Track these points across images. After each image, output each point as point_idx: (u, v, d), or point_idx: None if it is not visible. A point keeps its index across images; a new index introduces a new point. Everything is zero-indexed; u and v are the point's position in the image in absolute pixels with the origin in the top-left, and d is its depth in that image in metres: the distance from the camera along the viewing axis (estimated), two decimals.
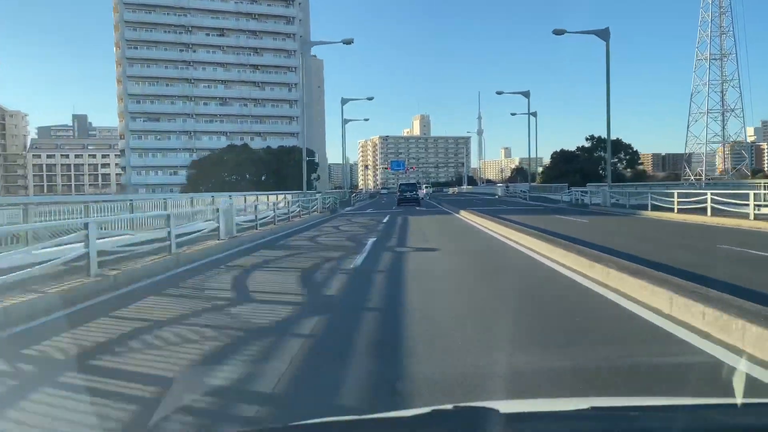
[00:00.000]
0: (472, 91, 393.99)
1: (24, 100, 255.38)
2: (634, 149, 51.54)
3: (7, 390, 4.01)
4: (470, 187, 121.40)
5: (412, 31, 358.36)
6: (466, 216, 24.10)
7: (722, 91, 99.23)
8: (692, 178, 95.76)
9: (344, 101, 60.26)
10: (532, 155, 56.58)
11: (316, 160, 36.27)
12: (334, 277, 8.94)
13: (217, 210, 13.62)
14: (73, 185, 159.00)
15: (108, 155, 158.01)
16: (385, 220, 23.80)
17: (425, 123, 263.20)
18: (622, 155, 50.75)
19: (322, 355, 4.70)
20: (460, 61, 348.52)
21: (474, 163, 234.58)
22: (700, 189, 26.10)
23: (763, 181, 33.17)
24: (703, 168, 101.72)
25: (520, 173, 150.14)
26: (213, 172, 47.58)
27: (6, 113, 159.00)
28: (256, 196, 24.92)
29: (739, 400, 1.62)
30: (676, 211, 21.08)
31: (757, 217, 17.03)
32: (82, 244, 7.83)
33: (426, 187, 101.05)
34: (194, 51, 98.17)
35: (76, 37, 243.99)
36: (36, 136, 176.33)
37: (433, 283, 8.25)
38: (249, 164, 48.48)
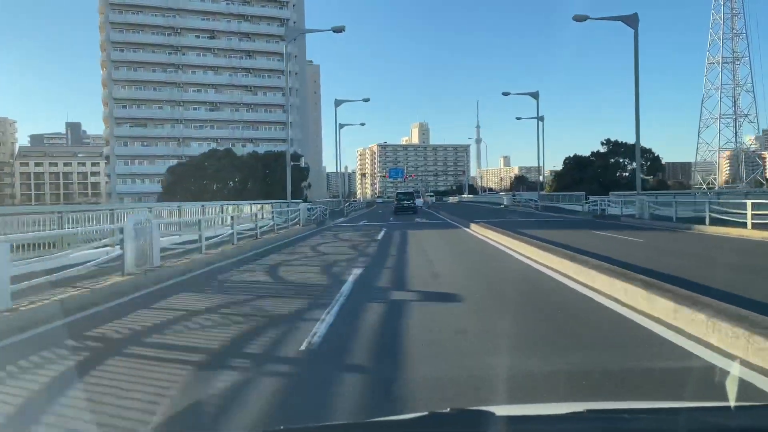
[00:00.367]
0: (472, 99, 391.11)
1: (18, 108, 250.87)
2: (655, 154, 47.16)
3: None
4: (471, 195, 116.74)
5: (411, 37, 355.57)
6: (478, 231, 19.50)
7: (734, 96, 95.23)
8: (704, 186, 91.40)
9: (338, 102, 55.79)
10: (540, 162, 52.15)
11: (303, 164, 31.69)
12: (253, 385, 4.24)
13: (121, 230, 8.98)
14: (61, 194, 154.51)
15: (98, 163, 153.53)
16: (379, 237, 19.18)
17: (424, 131, 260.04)
18: (642, 161, 46.25)
19: None
20: (460, 69, 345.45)
21: (472, 171, 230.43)
22: (737, 198, 21.68)
23: None
24: (717, 176, 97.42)
25: (521, 181, 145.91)
26: (191, 180, 42.96)
27: None
28: (221, 207, 20.28)
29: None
30: (750, 226, 16.44)
31: None
32: None
33: (428, 196, 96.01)
34: (183, 54, 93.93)
35: (70, 45, 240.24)
36: (29, 144, 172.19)
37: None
38: (232, 170, 43.85)
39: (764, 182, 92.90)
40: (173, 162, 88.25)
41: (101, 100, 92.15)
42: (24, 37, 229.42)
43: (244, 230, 16.94)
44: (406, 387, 3.95)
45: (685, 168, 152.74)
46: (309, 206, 29.75)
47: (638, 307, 6.18)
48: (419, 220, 31.93)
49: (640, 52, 28.55)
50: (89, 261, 8.65)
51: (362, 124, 62.90)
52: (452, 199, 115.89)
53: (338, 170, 58.21)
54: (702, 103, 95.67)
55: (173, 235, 13.68)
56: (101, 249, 9.16)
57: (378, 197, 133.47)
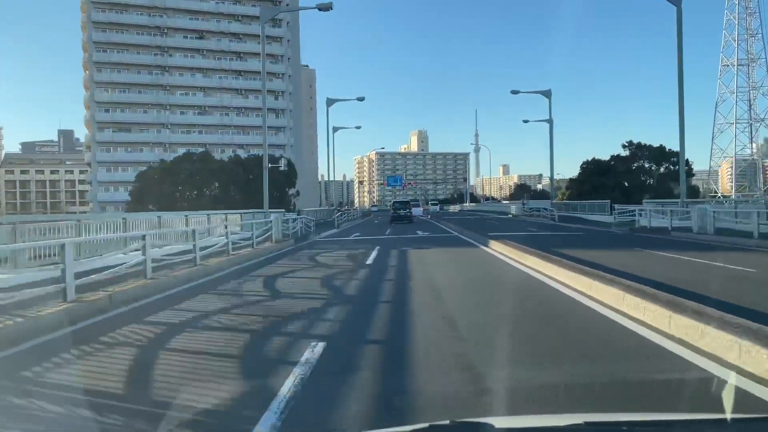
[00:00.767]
0: (471, 106, 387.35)
1: (10, 115, 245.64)
2: (685, 158, 41.91)
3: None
4: (473, 204, 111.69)
5: (410, 43, 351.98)
6: (504, 252, 14.45)
7: (750, 99, 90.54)
8: (719, 194, 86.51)
9: (330, 102, 50.87)
10: (552, 167, 47.15)
11: (282, 167, 26.67)
12: None
13: None
14: (48, 203, 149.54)
15: (86, 171, 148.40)
16: (369, 261, 14.05)
17: (423, 139, 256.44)
18: (671, 166, 41.21)
19: None
20: (459, 75, 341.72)
21: (471, 180, 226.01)
22: None
23: None
24: (733, 183, 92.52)
25: (524, 189, 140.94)
26: (164, 186, 37.85)
27: None
28: (159, 219, 15.18)
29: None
30: None
31: None
32: None
33: (432, 204, 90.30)
34: (170, 55, 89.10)
35: (63, 51, 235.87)
36: (20, 151, 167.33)
37: None
38: (208, 175, 38.73)
39: None
40: None
41: (83, 103, 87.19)
42: (17, 41, 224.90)
43: (147, 260, 11.86)
44: None
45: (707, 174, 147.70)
46: (287, 217, 24.64)
47: None
48: (421, 233, 26.84)
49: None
50: None
51: (358, 127, 58.07)
52: (453, 208, 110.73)
53: (329, 176, 53.20)
54: (716, 107, 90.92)
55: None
56: None
57: (373, 206, 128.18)
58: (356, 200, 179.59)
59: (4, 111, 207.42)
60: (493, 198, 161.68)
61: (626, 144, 41.86)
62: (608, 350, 5.26)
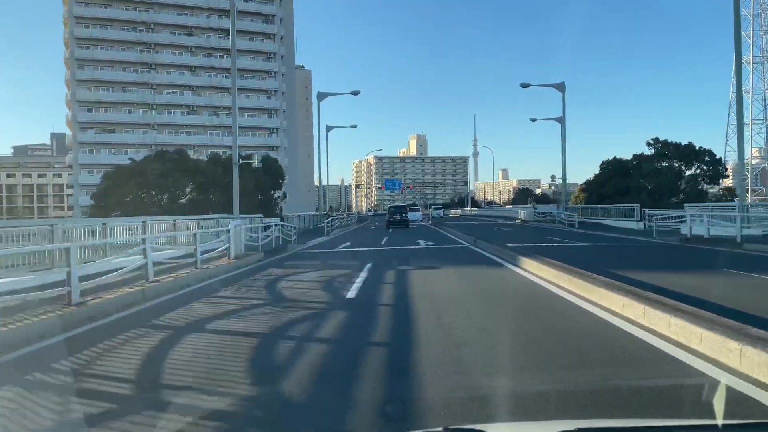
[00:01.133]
0: (470, 110, 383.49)
1: (4, 118, 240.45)
2: (717, 156, 37.43)
3: None
4: (474, 209, 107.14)
5: (408, 46, 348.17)
6: (549, 278, 9.88)
7: (766, 99, 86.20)
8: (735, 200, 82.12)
9: (321, 96, 46.40)
10: (564, 169, 42.64)
11: (256, 164, 22.01)
12: None
13: None
14: (35, 207, 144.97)
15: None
16: (351, 293, 9.31)
17: (422, 142, 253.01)
18: (703, 166, 36.43)
19: None
20: (458, 78, 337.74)
21: (470, 184, 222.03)
22: None
23: None
24: (749, 186, 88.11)
25: (526, 193, 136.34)
26: (127, 189, 33.22)
27: None
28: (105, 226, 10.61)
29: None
30: None
31: None
32: None
33: (434, 208, 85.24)
34: (157, 52, 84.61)
35: (55, 52, 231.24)
36: (11, 154, 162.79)
37: None
38: (181, 176, 34.08)
39: None
40: None
41: (64, 102, 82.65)
42: (10, 42, 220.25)
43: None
44: None
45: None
46: (259, 224, 20.09)
47: None
48: (424, 243, 22.25)
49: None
50: None
51: (353, 126, 53.89)
52: (453, 213, 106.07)
53: (319, 175, 48.72)
54: (730, 108, 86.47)
55: None
56: None
57: (369, 210, 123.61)
58: (354, 205, 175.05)
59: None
60: (494, 203, 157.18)
61: (651, 141, 37.15)
62: None
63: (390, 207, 47.88)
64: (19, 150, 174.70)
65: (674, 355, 4.93)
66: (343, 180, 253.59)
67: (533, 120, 59.46)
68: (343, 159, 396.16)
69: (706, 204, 25.80)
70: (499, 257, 14.57)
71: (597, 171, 41.58)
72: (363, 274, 11.81)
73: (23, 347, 5.79)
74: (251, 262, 15.04)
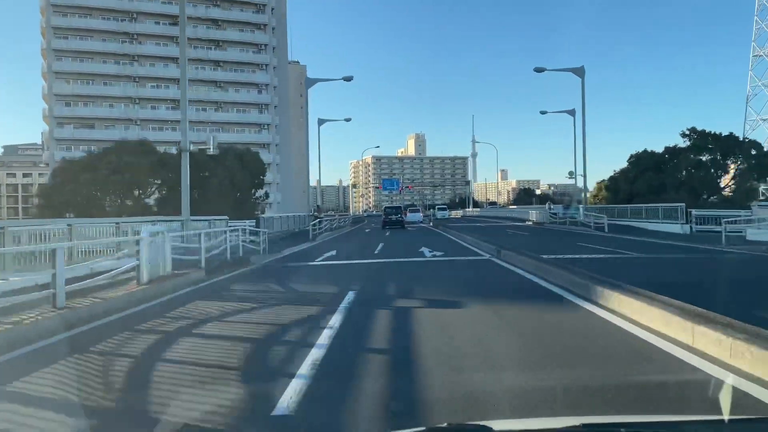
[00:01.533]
0: (469, 110, 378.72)
1: None
2: (765, 149, 32.54)
3: None
4: (476, 209, 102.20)
5: (407, 46, 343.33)
6: (680, 338, 4.88)
7: None
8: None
9: (310, 82, 41.31)
10: (583, 164, 37.83)
11: (211, 150, 17.23)
12: None
13: None
14: (20, 207, 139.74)
15: None
16: (284, 404, 4.34)
17: (420, 142, 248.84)
18: (751, 160, 31.42)
19: None
20: (457, 78, 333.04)
21: (471, 184, 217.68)
22: None
23: None
24: None
25: (528, 194, 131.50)
26: (76, 185, 28.10)
27: None
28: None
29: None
30: None
31: None
32: None
33: (439, 209, 79.92)
34: (140, 43, 79.56)
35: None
36: (1, 154, 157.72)
37: None
38: (143, 172, 28.96)
39: None
40: None
41: (41, 95, 77.58)
42: (10, 44, 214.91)
43: None
44: None
45: None
46: (215, 228, 15.09)
47: None
48: (430, 253, 17.23)
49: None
50: None
51: (348, 119, 48.95)
52: (454, 214, 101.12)
53: (308, 173, 43.82)
54: (747, 102, 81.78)
55: None
56: None
57: (365, 211, 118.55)
58: (351, 205, 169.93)
59: None
60: (495, 203, 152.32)
61: (687, 132, 32.09)
62: None
63: (386, 208, 47.38)
64: (9, 149, 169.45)
65: None
66: (341, 181, 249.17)
67: (543, 113, 54.69)
68: (341, 160, 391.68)
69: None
70: (548, 281, 9.62)
71: (608, 173, 37.03)
72: (334, 321, 6.87)
73: None
74: (176, 287, 10.03)
